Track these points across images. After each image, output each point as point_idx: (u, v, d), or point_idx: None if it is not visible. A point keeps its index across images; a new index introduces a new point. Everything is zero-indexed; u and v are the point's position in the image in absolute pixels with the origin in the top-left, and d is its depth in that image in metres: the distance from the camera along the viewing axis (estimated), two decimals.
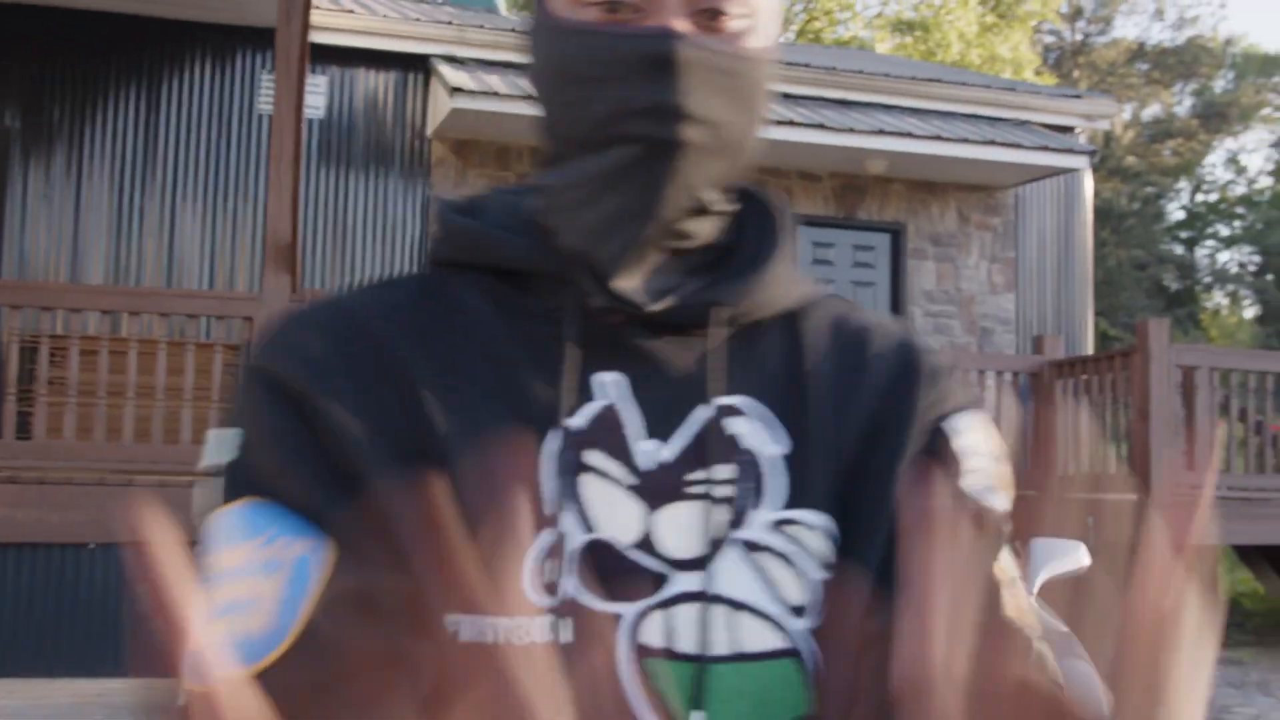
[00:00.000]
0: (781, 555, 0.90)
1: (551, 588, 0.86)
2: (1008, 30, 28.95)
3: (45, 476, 7.40)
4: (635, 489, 0.90)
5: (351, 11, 11.26)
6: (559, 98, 0.97)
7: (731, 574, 0.89)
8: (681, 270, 0.97)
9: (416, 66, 11.52)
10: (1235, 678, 8.84)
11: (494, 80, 10.87)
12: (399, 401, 0.90)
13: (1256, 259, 45.01)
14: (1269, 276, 43.29)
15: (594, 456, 0.90)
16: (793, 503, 0.91)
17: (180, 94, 10.90)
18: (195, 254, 10.76)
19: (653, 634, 0.87)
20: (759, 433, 0.93)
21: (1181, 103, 48.28)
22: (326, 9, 11.01)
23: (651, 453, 0.91)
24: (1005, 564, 0.95)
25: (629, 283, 0.94)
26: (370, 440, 0.88)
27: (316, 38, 10.49)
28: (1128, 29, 54.73)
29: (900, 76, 13.16)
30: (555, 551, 0.87)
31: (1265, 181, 48.63)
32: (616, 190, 0.92)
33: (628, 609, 0.87)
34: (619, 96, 0.91)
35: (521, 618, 0.83)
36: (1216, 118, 46.05)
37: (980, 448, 0.99)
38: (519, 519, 0.69)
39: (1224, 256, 47.50)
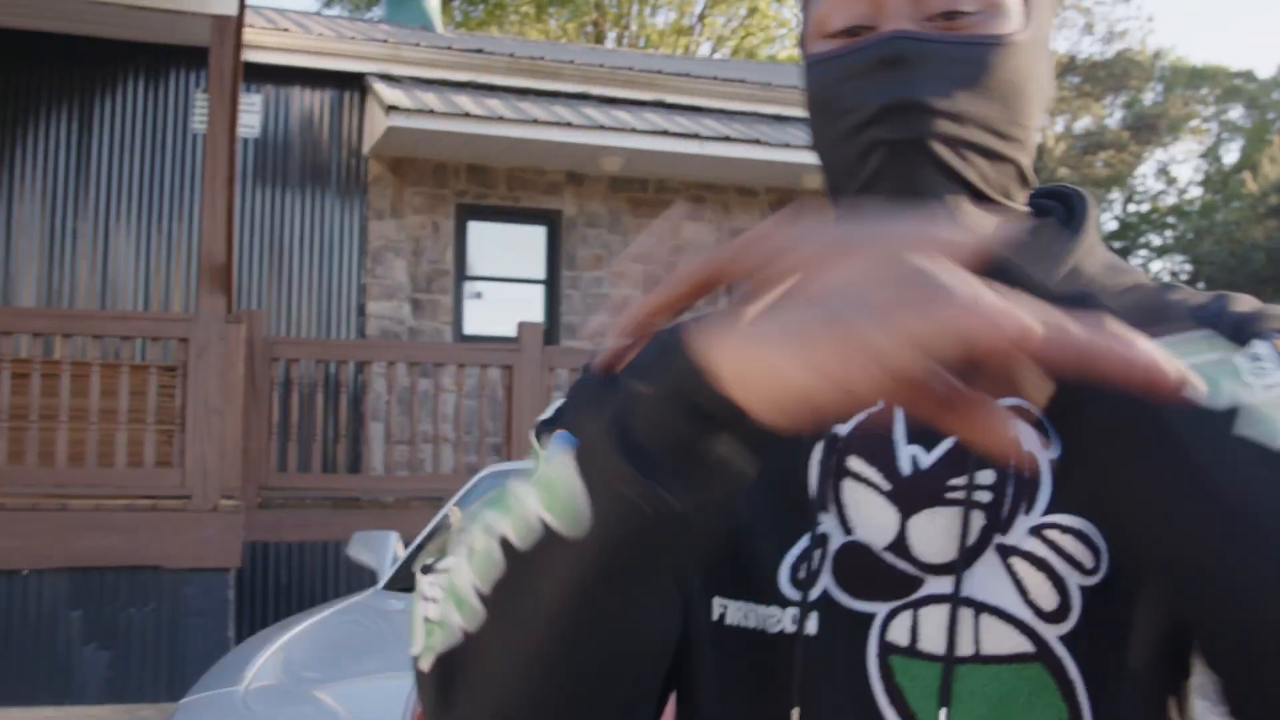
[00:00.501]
0: (1039, 560, 0.89)
1: (807, 582, 0.91)
2: None
3: None
4: (891, 494, 0.92)
5: (286, 30, 11.19)
6: (819, 130, 1.00)
7: (984, 578, 0.89)
8: None
9: (352, 85, 11.46)
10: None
11: (430, 98, 10.84)
12: None
13: (1188, 268, 45.68)
14: (1200, 284, 43.92)
15: (855, 462, 0.93)
16: (1054, 508, 0.89)
17: (113, 113, 10.78)
18: (129, 275, 10.64)
19: (900, 633, 0.89)
20: (1028, 437, 0.90)
21: (1112, 115, 48.98)
22: (261, 28, 10.94)
23: (913, 458, 0.92)
24: None
25: None
26: None
27: (251, 56, 10.43)
28: (1059, 43, 55.36)
29: None
30: (815, 550, 0.91)
31: (1195, 192, 49.42)
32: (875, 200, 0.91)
33: (879, 608, 0.90)
34: (858, 106, 0.93)
35: (775, 608, 0.90)
36: (1147, 129, 46.76)
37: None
38: (784, 519, 0.85)
39: (1156, 265, 48.17)
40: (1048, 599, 0.88)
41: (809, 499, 0.93)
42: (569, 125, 10.90)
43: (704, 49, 29.20)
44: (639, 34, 29.09)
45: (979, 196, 0.93)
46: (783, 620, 0.91)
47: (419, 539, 5.98)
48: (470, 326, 11.57)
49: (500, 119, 10.74)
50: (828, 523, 0.92)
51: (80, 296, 10.46)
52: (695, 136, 11.33)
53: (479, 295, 11.68)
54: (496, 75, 11.87)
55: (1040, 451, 0.91)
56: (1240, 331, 0.89)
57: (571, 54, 13.83)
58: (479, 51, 11.99)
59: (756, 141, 11.49)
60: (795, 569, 0.92)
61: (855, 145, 0.93)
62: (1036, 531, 0.90)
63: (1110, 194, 46.79)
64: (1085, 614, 0.88)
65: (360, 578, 8.17)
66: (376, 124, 10.89)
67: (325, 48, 11.29)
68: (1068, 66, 46.94)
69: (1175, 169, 59.10)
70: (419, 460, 9.47)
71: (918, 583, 0.90)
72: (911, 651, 0.89)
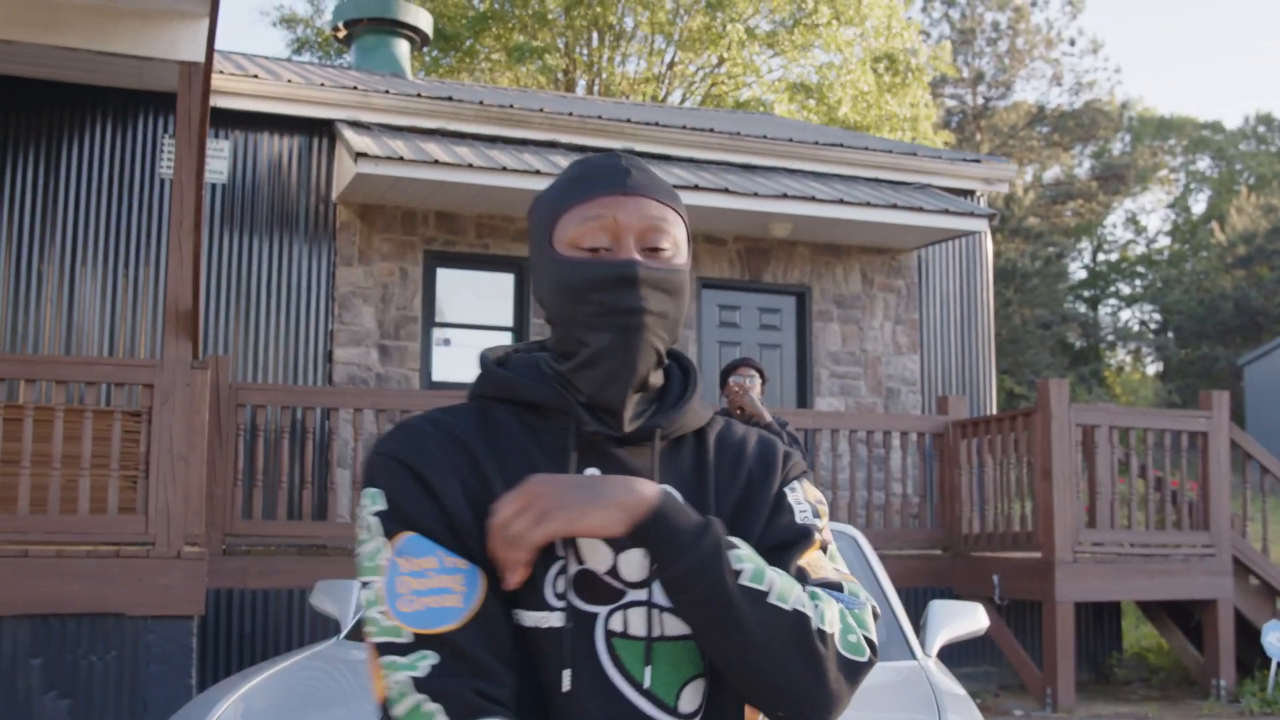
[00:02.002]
0: None
1: (561, 595, 1.52)
2: (904, 88, 29.43)
3: None
4: (607, 540, 1.52)
5: (255, 76, 11.21)
6: (563, 304, 1.59)
7: (660, 590, 1.53)
8: (641, 404, 1.61)
9: (321, 131, 11.49)
10: None
11: (399, 145, 10.87)
12: (476, 480, 1.53)
13: (1157, 317, 45.99)
14: (1169, 334, 44.20)
15: None
16: None
17: (80, 158, 10.78)
18: (95, 320, 10.61)
19: (616, 624, 1.53)
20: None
21: (1081, 164, 49.43)
22: (230, 74, 10.96)
23: None
24: (817, 557, 1.62)
25: (611, 414, 1.58)
26: (459, 506, 1.51)
27: (220, 102, 10.44)
28: (1027, 93, 55.90)
29: (804, 141, 13.33)
30: (562, 574, 1.52)
31: (1164, 241, 49.82)
32: (606, 362, 1.56)
33: (602, 609, 1.53)
34: (603, 300, 1.55)
35: (546, 612, 1.51)
36: (1115, 179, 47.16)
37: (803, 499, 1.66)
38: (545, 555, 1.50)
39: (1126, 314, 48.51)
40: None
41: (559, 544, 1.51)
42: (538, 173, 10.94)
43: (674, 97, 29.38)
44: (609, 82, 29.26)
45: (659, 357, 1.60)
46: (550, 619, 1.51)
47: None
48: (439, 373, 11.56)
49: (469, 166, 10.77)
50: (571, 558, 1.52)
51: (45, 341, 10.42)
52: None
53: (447, 342, 11.67)
54: (466, 123, 11.91)
55: None
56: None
57: (541, 102, 13.90)
58: (448, 99, 12.04)
59: (725, 190, 11.55)
60: (554, 586, 1.52)
61: (596, 324, 1.56)
62: None
63: (1080, 243, 47.12)
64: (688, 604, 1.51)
65: (325, 626, 8.12)
66: (345, 170, 10.91)
67: (294, 94, 11.31)
68: (1036, 116, 47.35)
69: (1144, 218, 59.57)
70: None
71: (623, 593, 1.53)
72: (624, 635, 1.52)
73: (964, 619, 4.94)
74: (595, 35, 29.30)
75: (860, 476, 11.10)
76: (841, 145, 13.52)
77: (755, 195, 11.67)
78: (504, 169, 10.85)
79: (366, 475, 1.55)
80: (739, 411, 7.52)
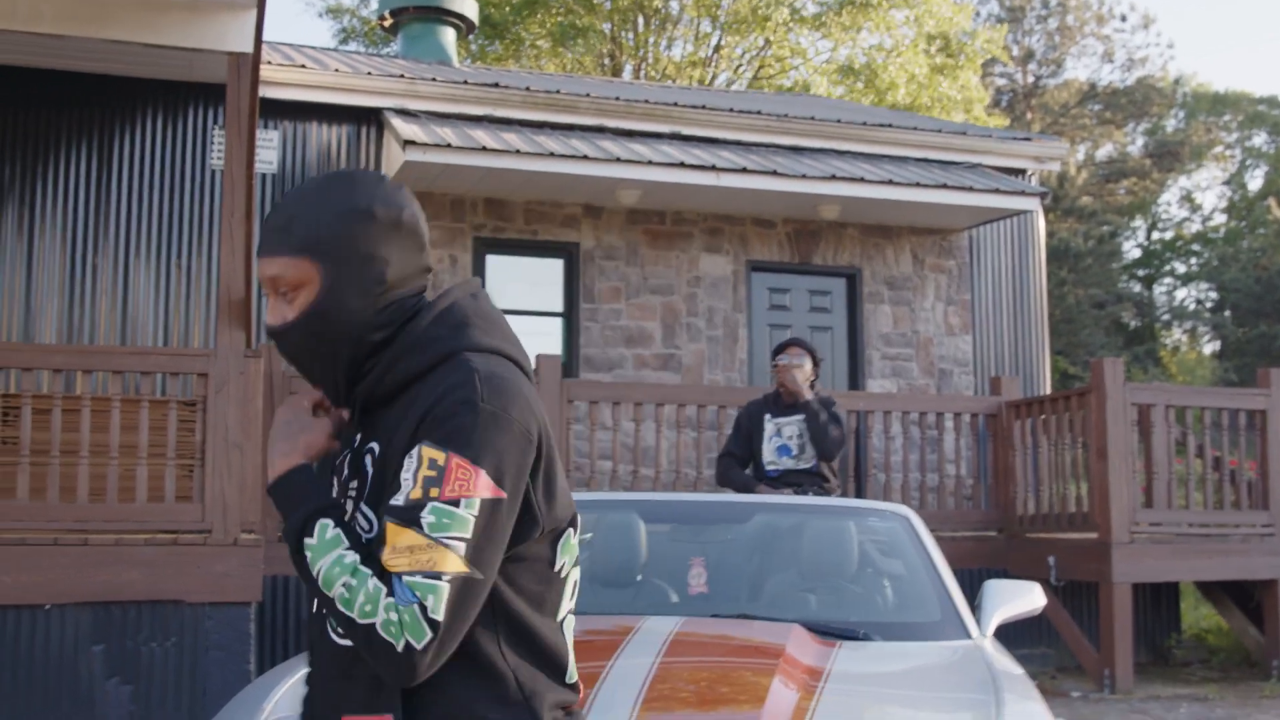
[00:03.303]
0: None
1: None
2: (956, 70, 29.22)
3: None
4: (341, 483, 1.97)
5: (303, 66, 11.27)
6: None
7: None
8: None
9: (369, 120, 11.54)
10: (1201, 714, 8.86)
11: (446, 133, 10.90)
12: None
13: (1213, 295, 45.44)
14: (1226, 313, 43.69)
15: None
16: (372, 496, 1.89)
17: (132, 151, 10.87)
18: (149, 311, 10.71)
19: None
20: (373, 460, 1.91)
21: (1134, 142, 48.86)
22: (278, 64, 11.03)
23: (340, 467, 1.99)
24: (393, 537, 1.77)
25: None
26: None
27: (268, 93, 10.50)
28: (1079, 70, 55.26)
29: (852, 122, 13.26)
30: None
31: (1219, 219, 49.22)
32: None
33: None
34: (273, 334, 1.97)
35: None
36: (1169, 156, 46.62)
37: (412, 468, 1.79)
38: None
39: (1181, 293, 47.95)
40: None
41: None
42: (586, 158, 10.94)
43: (720, 80, 29.28)
44: (655, 66, 29.20)
45: (328, 359, 1.94)
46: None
47: None
48: None
49: (517, 153, 10.78)
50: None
51: (100, 332, 10.53)
52: (712, 168, 11.36)
53: None
54: (513, 109, 11.92)
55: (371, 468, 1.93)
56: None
57: (588, 87, 13.88)
58: (495, 86, 12.06)
59: (773, 173, 11.51)
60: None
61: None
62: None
63: (1134, 221, 46.64)
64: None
65: None
66: (393, 158, 10.95)
67: (342, 83, 11.36)
68: (1088, 94, 46.90)
69: (1199, 196, 58.81)
70: None
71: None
72: None
73: (1020, 598, 4.90)
74: (640, 19, 29.24)
75: (913, 458, 11.04)
76: (890, 126, 13.43)
77: (804, 177, 11.62)
78: (551, 154, 10.85)
79: None
80: (784, 389, 7.79)
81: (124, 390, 7.91)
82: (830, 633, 4.38)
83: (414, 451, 1.78)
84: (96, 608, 7.44)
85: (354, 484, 1.92)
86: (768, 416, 7.86)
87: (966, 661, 4.31)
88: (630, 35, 29.68)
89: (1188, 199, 50.44)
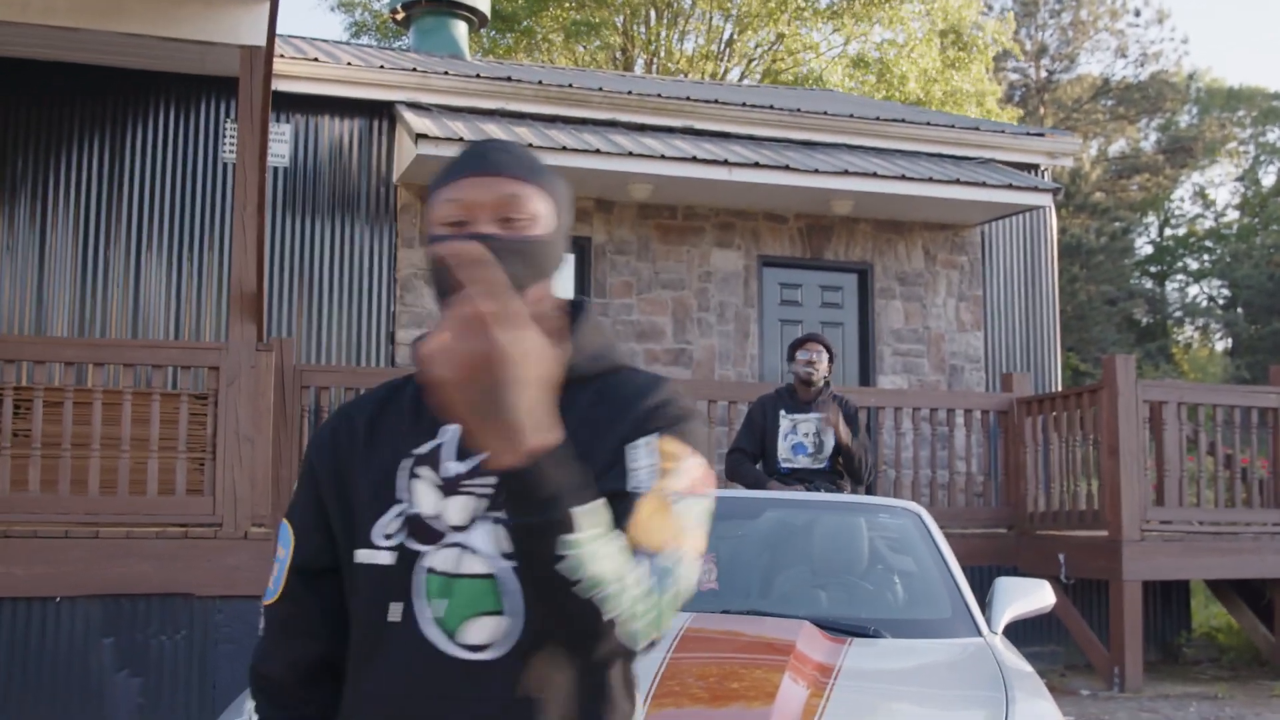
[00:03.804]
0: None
1: (389, 536, 1.75)
2: (969, 63, 29.16)
3: (9, 530, 7.34)
4: (440, 487, 1.75)
5: (315, 60, 11.27)
6: (431, 274, 1.83)
7: (478, 535, 1.71)
8: None
9: (381, 113, 11.53)
10: (1210, 712, 8.84)
11: (459, 126, 10.89)
12: (339, 454, 1.87)
13: (1226, 292, 45.32)
14: (1238, 309, 43.57)
15: (422, 469, 1.77)
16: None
17: (144, 144, 10.88)
18: (160, 304, 10.72)
19: (433, 561, 1.72)
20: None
21: (1147, 138, 48.70)
22: (291, 58, 11.02)
23: (453, 467, 1.75)
24: (646, 519, 1.64)
25: None
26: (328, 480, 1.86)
27: (281, 86, 10.50)
28: (1091, 65, 55.10)
29: (865, 117, 13.24)
30: (398, 517, 1.75)
31: (1232, 215, 49.05)
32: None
33: (426, 548, 1.73)
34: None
35: (375, 550, 1.76)
36: (1182, 152, 46.45)
37: (644, 457, 1.70)
38: (379, 502, 1.77)
39: (1194, 290, 47.82)
40: (506, 544, 1.66)
41: (394, 490, 1.77)
42: (598, 152, 10.93)
43: (733, 74, 29.25)
44: (667, 60, 29.18)
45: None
46: (379, 557, 1.75)
47: None
48: None
49: (529, 146, 10.75)
50: (404, 502, 1.75)
51: (112, 325, 10.55)
52: (724, 163, 11.35)
53: None
54: (525, 103, 11.92)
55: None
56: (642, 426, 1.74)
57: (600, 81, 13.87)
58: (507, 79, 12.05)
59: (785, 168, 11.49)
60: (385, 529, 1.75)
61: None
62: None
63: (1146, 217, 46.51)
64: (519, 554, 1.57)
65: None
66: (405, 152, 10.95)
67: (354, 76, 11.36)
68: (1101, 89, 46.77)
69: (1212, 192, 58.61)
70: None
71: (444, 535, 1.72)
72: (432, 571, 1.71)
73: (1030, 595, 4.89)
74: (653, 13, 29.21)
75: (924, 455, 11.02)
76: (903, 121, 13.41)
77: (816, 172, 11.60)
78: (564, 148, 10.85)
79: None
80: (802, 385, 7.77)
81: (135, 383, 7.94)
82: (840, 629, 4.38)
83: (636, 446, 1.69)
84: (107, 600, 7.45)
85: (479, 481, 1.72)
86: (783, 412, 7.80)
87: (977, 659, 4.30)
88: (642, 29, 29.64)
89: (1200, 195, 50.26)
